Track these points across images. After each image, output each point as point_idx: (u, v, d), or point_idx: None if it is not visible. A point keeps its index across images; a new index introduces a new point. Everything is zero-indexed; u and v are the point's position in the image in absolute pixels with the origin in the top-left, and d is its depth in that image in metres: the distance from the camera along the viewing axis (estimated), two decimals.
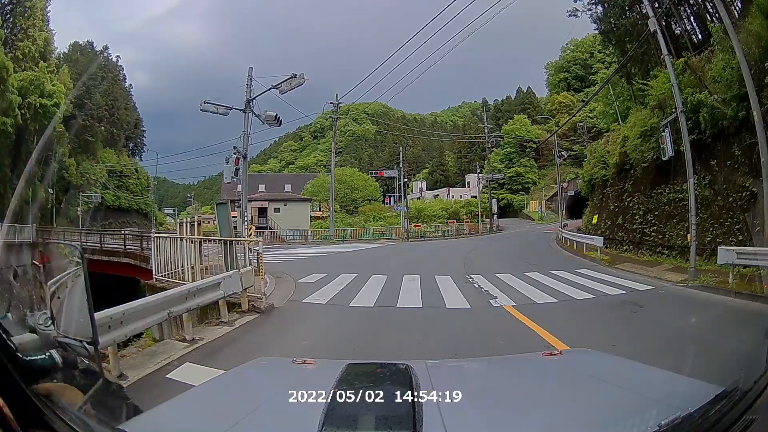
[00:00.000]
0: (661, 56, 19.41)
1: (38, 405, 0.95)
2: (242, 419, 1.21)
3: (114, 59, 56.83)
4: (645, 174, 14.60)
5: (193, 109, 14.25)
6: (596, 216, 19.36)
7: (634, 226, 15.02)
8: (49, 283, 1.85)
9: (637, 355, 1.86)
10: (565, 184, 40.64)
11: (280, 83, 14.00)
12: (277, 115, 15.06)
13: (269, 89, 14.18)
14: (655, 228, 13.86)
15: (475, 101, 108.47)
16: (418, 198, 54.23)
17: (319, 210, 46.20)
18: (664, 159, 11.78)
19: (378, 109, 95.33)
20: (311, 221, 42.07)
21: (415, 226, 36.57)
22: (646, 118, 14.33)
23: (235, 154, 13.22)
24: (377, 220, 42.01)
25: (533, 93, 72.54)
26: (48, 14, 38.93)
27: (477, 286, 10.02)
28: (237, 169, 13.05)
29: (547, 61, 72.83)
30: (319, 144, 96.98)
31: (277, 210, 42.42)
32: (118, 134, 53.44)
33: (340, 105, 31.88)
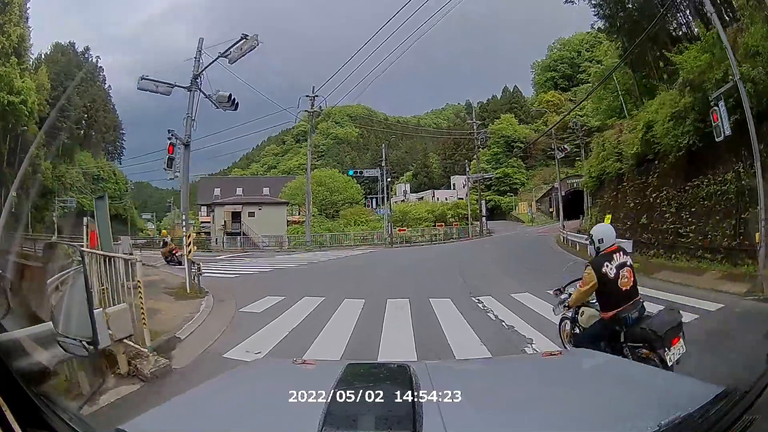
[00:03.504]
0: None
1: (38, 405, 0.96)
2: (242, 419, 1.20)
3: (94, 60, 53.80)
4: (675, 164, 12.23)
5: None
6: (609, 215, 16.95)
7: (664, 227, 12.57)
8: (48, 282, 1.95)
9: None
10: (556, 184, 38.75)
11: (228, 49, 11.11)
12: (231, 95, 12.26)
13: (217, 59, 11.29)
14: (692, 228, 11.47)
15: (458, 103, 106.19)
16: (403, 201, 51.83)
17: (297, 214, 43.26)
18: (718, 139, 9.46)
19: (361, 112, 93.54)
20: (288, 226, 39.30)
21: (399, 230, 33.96)
22: (676, 98, 12.02)
23: (169, 139, 10.25)
24: (359, 225, 39.34)
25: (520, 92, 70.95)
26: (27, 11, 35.72)
27: (493, 316, 7.12)
28: (171, 159, 10.08)
29: (533, 60, 71.48)
30: (301, 147, 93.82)
31: (251, 214, 39.62)
32: (97, 137, 50.57)
33: (316, 97, 29.13)
